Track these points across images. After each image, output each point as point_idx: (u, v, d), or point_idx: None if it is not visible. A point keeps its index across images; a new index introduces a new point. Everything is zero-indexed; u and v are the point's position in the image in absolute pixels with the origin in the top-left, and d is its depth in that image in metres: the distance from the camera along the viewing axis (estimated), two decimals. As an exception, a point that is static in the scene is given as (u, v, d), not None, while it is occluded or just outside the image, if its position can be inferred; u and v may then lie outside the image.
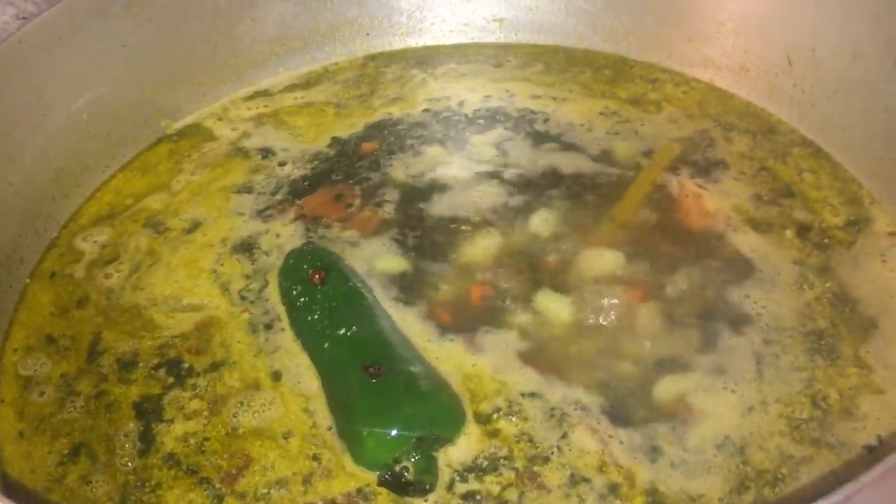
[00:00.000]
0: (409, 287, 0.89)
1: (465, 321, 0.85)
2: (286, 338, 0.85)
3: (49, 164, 1.01)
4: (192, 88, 1.16)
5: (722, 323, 0.84)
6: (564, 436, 0.75)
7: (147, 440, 0.78)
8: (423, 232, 0.95)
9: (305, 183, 1.04)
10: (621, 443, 0.74)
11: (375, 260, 0.92)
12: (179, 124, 1.15)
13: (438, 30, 1.26)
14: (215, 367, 0.83)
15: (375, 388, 0.74)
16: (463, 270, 0.91)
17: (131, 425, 0.79)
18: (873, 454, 0.73)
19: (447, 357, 0.81)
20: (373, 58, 1.25)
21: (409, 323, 0.85)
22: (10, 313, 0.91)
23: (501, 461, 0.73)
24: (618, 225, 0.95)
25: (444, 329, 0.84)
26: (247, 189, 1.03)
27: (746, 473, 0.72)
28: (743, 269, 0.89)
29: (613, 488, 0.72)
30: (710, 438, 0.75)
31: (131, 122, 1.10)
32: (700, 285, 0.88)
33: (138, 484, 0.75)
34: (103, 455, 0.77)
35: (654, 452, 0.74)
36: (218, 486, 0.74)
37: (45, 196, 1.00)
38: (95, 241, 0.99)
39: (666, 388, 0.79)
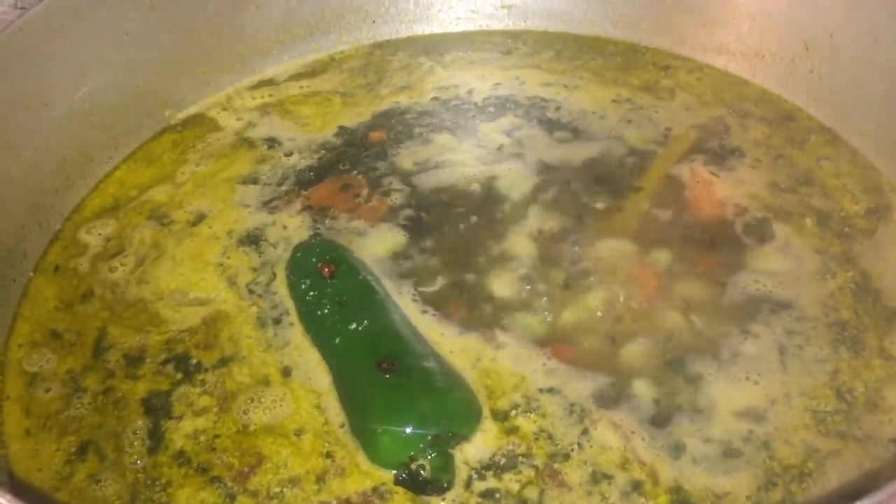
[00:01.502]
0: (420, 279, 0.87)
1: (480, 313, 0.83)
2: (296, 332, 0.83)
3: (51, 156, 0.99)
4: (196, 77, 1.14)
5: (743, 313, 0.82)
6: (585, 432, 0.73)
7: (156, 437, 0.76)
8: (432, 221, 0.93)
9: (311, 173, 1.02)
10: (643, 439, 0.72)
11: (384, 248, 0.90)
12: (183, 114, 1.13)
13: (445, 17, 1.24)
14: (224, 362, 0.81)
15: (389, 385, 0.72)
16: (475, 260, 0.89)
17: (140, 422, 0.77)
18: (901, 448, 0.72)
19: (462, 351, 0.79)
20: (379, 46, 1.23)
21: (421, 316, 0.83)
22: (13, 308, 0.89)
23: (520, 458, 0.72)
24: (632, 213, 0.93)
25: (459, 322, 0.82)
26: (252, 180, 1.01)
27: (773, 469, 0.70)
28: (763, 257, 0.87)
29: (637, 486, 0.70)
30: (735, 432, 0.73)
31: (135, 112, 1.08)
32: (720, 275, 0.86)
33: (148, 482, 0.73)
34: (112, 453, 0.75)
35: (677, 448, 0.72)
36: (230, 484, 0.72)
37: (47, 188, 0.98)
38: (100, 234, 0.97)
39: (688, 382, 0.77)
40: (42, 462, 0.75)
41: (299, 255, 0.88)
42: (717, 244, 0.90)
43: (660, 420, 0.74)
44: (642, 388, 0.76)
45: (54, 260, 0.94)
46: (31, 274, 0.93)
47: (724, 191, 0.96)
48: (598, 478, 0.70)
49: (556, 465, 0.71)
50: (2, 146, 0.91)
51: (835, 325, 0.81)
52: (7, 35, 0.91)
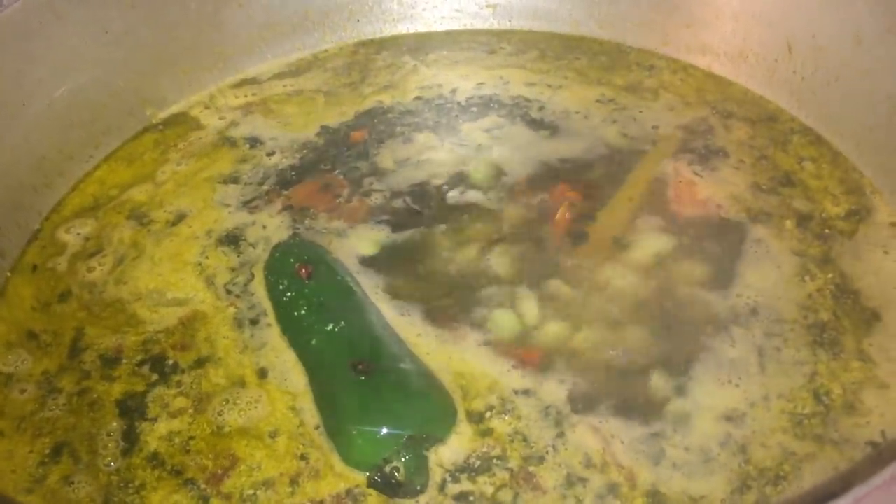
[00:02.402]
0: (397, 280, 0.86)
1: (457, 315, 0.83)
2: (272, 333, 0.82)
3: (31, 154, 0.98)
4: (178, 76, 1.13)
5: (723, 315, 0.82)
6: (560, 434, 0.73)
7: (130, 439, 0.75)
8: (411, 222, 0.93)
9: (293, 173, 1.01)
10: (623, 442, 0.72)
11: (363, 249, 0.89)
12: (165, 113, 1.12)
13: (430, 16, 1.24)
14: (200, 363, 0.81)
15: (364, 386, 0.72)
16: (454, 261, 0.88)
17: (114, 424, 0.77)
18: (877, 450, 0.71)
19: (438, 353, 0.79)
20: (363, 45, 1.22)
21: (398, 317, 0.82)
22: (-10, 308, 0.89)
23: (494, 461, 0.71)
24: (614, 214, 0.93)
25: (436, 324, 0.82)
26: (233, 179, 1.01)
27: (748, 472, 0.70)
28: (743, 259, 0.87)
29: (612, 489, 0.69)
30: (713, 435, 0.73)
31: (116, 110, 1.08)
32: (701, 276, 0.85)
33: (121, 485, 0.72)
34: (86, 455, 0.75)
35: (656, 451, 0.72)
36: (203, 486, 0.71)
37: (26, 187, 0.97)
38: (79, 234, 0.96)
39: (668, 385, 0.76)
40: (16, 464, 0.75)
41: (277, 255, 0.87)
42: (699, 245, 0.89)
43: (639, 423, 0.73)
44: (621, 391, 0.76)
45: (32, 259, 0.94)
46: (9, 273, 0.92)
47: (706, 191, 0.96)
48: (573, 481, 0.70)
49: (530, 468, 0.71)
50: (-20, 145, 0.91)
51: (814, 326, 0.81)
52: (-16, 33, 0.91)
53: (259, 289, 0.87)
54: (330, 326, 0.78)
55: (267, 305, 0.85)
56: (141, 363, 0.81)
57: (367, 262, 0.88)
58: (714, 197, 0.95)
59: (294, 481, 0.71)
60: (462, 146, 1.03)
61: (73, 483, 0.73)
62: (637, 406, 0.75)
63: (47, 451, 0.75)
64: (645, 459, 0.71)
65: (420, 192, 0.97)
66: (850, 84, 0.98)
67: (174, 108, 1.13)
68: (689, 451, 0.72)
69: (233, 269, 0.89)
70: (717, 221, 0.92)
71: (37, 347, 0.84)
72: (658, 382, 0.77)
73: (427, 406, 0.73)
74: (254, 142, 1.06)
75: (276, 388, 0.78)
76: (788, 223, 0.91)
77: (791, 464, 0.71)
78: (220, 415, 0.76)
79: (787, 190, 0.95)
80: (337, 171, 1.01)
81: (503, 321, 0.82)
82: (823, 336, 0.80)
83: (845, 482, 0.53)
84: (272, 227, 0.94)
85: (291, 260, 0.85)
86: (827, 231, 0.90)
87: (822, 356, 0.79)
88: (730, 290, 0.84)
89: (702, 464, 0.71)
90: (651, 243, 0.89)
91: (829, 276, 0.86)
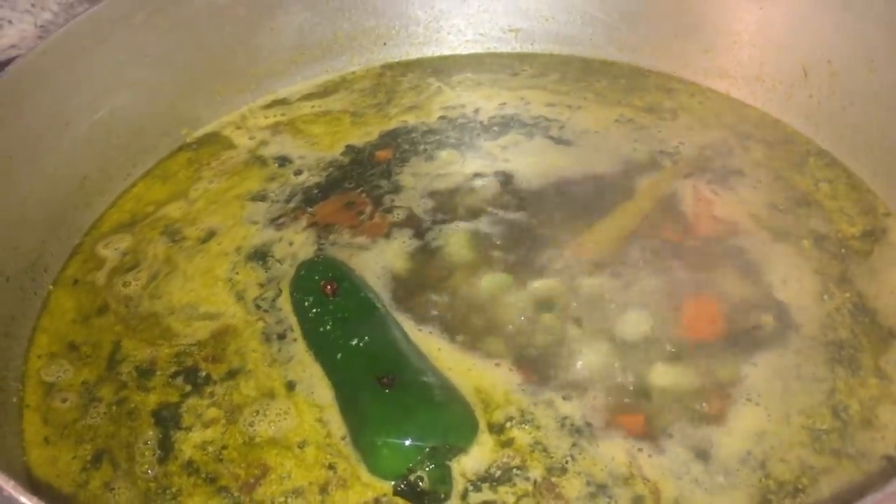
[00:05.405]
0: (418, 295, 0.89)
1: (476, 330, 0.85)
2: (299, 348, 0.85)
3: (72, 173, 1.02)
4: (212, 97, 1.17)
5: (744, 332, 0.83)
6: (579, 445, 0.75)
7: (166, 448, 0.78)
8: (432, 238, 0.96)
9: (318, 191, 1.04)
10: (650, 456, 0.74)
11: (384, 265, 0.92)
12: (199, 133, 1.16)
13: (455, 40, 1.27)
14: (231, 375, 0.84)
15: (388, 399, 0.74)
16: (473, 277, 0.91)
17: (150, 433, 0.80)
18: (893, 464, 0.73)
19: (458, 366, 0.81)
20: (389, 67, 1.26)
21: (420, 332, 0.85)
22: (33, 320, 0.92)
23: (515, 471, 0.74)
24: (628, 230, 0.95)
25: (456, 338, 0.84)
26: (261, 197, 1.04)
27: (768, 487, 0.72)
28: (763, 277, 0.89)
29: (638, 501, 0.71)
30: (734, 452, 0.74)
31: (152, 130, 1.12)
32: (719, 293, 0.87)
33: (159, 491, 0.75)
34: (124, 462, 0.78)
35: (679, 467, 0.73)
36: (236, 494, 0.74)
37: (68, 204, 1.01)
38: (117, 249, 1.00)
39: (688, 401, 0.78)
40: (60, 469, 0.78)
41: (303, 273, 0.90)
42: (717, 262, 0.91)
43: (663, 439, 0.75)
44: (643, 406, 0.78)
45: (73, 273, 0.98)
46: (51, 287, 0.96)
47: (724, 210, 0.97)
48: (596, 492, 0.72)
49: (553, 479, 0.73)
50: (25, 164, 0.94)
51: (832, 344, 0.83)
52: (30, 58, 0.94)
53: (286, 304, 0.90)
54: (354, 341, 0.80)
55: (293, 321, 0.88)
56: (175, 374, 0.85)
57: (389, 278, 0.91)
58: (732, 215, 0.96)
59: (323, 490, 0.74)
60: (482, 163, 1.05)
61: (113, 489, 0.76)
62: (660, 421, 0.76)
63: (89, 458, 0.79)
64: (669, 474, 0.73)
65: (439, 209, 1.00)
66: (864, 108, 1.00)
67: (207, 128, 1.17)
68: (712, 467, 0.73)
69: (261, 285, 0.93)
70: (735, 239, 0.93)
71: (77, 358, 0.88)
72: (679, 399, 0.78)
73: (449, 417, 0.75)
74: (282, 161, 1.10)
75: (303, 400, 0.81)
76: (806, 243, 0.93)
77: (809, 477, 0.72)
78: (250, 425, 0.79)
79: (803, 210, 0.97)
80: (360, 190, 1.04)
81: (522, 339, 0.84)
82: (842, 353, 0.82)
83: (862, 494, 0.55)
84: (298, 243, 0.97)
85: (316, 277, 0.87)
86: (843, 251, 0.92)
87: (840, 373, 0.80)
88: (749, 308, 0.86)
89: (724, 479, 0.72)
90: (668, 260, 0.91)
91: (847, 295, 0.87)
